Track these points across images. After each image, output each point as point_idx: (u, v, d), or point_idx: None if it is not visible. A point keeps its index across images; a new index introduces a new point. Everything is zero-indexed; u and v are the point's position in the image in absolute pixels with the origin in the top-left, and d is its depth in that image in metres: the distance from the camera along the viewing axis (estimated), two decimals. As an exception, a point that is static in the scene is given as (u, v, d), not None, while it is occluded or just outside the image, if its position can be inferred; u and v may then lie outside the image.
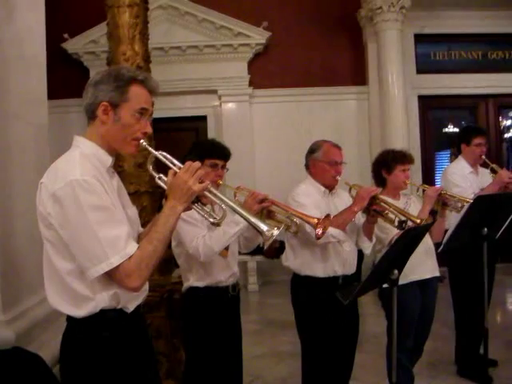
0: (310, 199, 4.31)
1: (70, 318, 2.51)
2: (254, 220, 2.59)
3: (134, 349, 2.58)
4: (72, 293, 2.45)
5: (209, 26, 10.87)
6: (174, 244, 4.03)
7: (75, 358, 2.50)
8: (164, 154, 2.59)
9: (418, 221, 4.12)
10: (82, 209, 2.31)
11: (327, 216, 3.87)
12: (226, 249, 3.87)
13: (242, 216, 2.62)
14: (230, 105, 11.14)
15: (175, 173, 2.51)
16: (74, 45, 10.68)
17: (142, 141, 2.57)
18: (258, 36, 10.88)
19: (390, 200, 4.36)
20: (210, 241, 3.74)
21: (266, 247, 2.61)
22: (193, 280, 4.00)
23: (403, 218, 4.10)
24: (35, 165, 4.62)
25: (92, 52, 10.52)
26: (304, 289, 4.38)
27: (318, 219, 3.83)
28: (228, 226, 3.68)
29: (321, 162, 4.39)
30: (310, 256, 4.31)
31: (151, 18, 9.53)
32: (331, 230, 4.06)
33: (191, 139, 10.96)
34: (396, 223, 4.14)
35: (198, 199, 2.57)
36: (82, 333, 2.48)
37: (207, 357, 3.92)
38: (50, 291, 2.53)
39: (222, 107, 11.10)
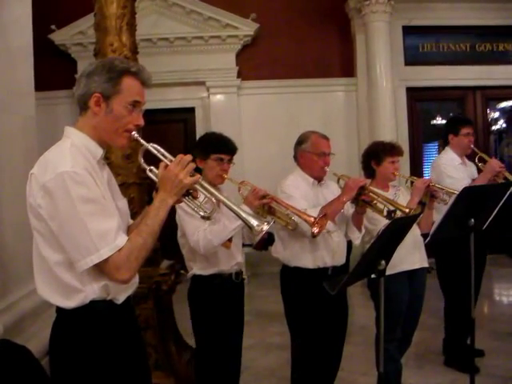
0: (299, 190, 4.32)
1: (59, 310, 2.51)
2: (244, 215, 2.60)
3: (123, 340, 2.58)
4: (61, 284, 2.45)
5: (197, 18, 10.83)
6: (179, 234, 4.14)
7: (65, 349, 2.51)
8: (155, 146, 2.58)
9: (407, 210, 4.13)
10: (73, 201, 2.31)
11: (324, 215, 3.90)
12: (230, 240, 3.91)
13: (232, 210, 2.62)
14: (218, 96, 11.11)
15: (166, 165, 2.51)
16: (62, 36, 10.59)
17: (133, 132, 2.56)
18: (247, 27, 10.85)
19: (378, 191, 4.37)
20: (210, 235, 3.81)
21: (255, 242, 2.64)
22: (196, 269, 4.11)
23: (392, 208, 4.12)
24: (23, 157, 4.60)
25: (80, 43, 10.42)
26: (293, 280, 4.40)
27: (315, 218, 3.87)
28: (229, 220, 3.73)
29: (309, 153, 4.39)
30: (299, 247, 4.31)
31: (139, 10, 9.47)
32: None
33: (179, 131, 10.98)
34: (385, 213, 4.15)
35: (189, 192, 2.56)
36: (71, 324, 2.49)
37: (214, 343, 4.05)
38: (39, 282, 2.52)
39: (210, 99, 11.07)
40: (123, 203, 2.76)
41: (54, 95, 10.40)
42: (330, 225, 4.19)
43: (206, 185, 2.58)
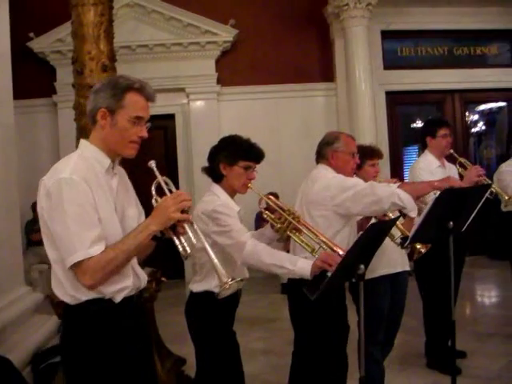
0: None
1: (64, 307, 2.74)
2: (218, 266, 2.65)
3: (121, 337, 2.75)
4: (60, 281, 2.68)
5: (176, 24, 10.84)
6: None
7: (67, 345, 2.78)
8: (167, 180, 2.82)
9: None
10: (63, 203, 2.53)
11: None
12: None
13: (209, 256, 2.68)
14: (198, 103, 11.13)
15: (174, 225, 2.66)
16: (40, 44, 10.54)
17: (151, 162, 2.80)
18: (226, 33, 10.88)
19: None
20: (261, 250, 3.61)
21: (220, 293, 2.68)
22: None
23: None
24: (3, 165, 4.58)
25: (58, 51, 10.37)
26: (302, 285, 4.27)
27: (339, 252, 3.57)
28: (285, 259, 3.60)
29: (342, 153, 4.28)
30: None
31: (118, 16, 9.50)
32: (399, 192, 3.89)
33: (159, 138, 10.96)
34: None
35: (175, 227, 2.67)
36: (72, 320, 2.73)
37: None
38: (52, 277, 2.75)
39: (190, 105, 11.09)
40: (134, 212, 2.94)
41: (34, 103, 10.36)
42: (409, 201, 3.91)
43: (196, 227, 2.69)
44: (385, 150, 10.17)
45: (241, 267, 3.80)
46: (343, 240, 4.06)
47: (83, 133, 4.64)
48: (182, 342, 4.12)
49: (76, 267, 2.55)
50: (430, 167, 5.62)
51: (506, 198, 5.67)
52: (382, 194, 3.89)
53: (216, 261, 2.65)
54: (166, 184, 2.79)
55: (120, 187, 2.87)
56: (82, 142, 2.84)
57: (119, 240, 2.66)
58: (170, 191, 2.75)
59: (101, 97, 2.74)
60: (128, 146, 2.76)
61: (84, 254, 2.53)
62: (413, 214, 4.06)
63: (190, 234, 2.65)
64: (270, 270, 3.66)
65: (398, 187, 3.95)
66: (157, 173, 2.80)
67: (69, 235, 2.54)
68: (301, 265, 3.48)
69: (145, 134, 2.77)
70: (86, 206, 2.58)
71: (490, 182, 5.56)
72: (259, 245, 3.64)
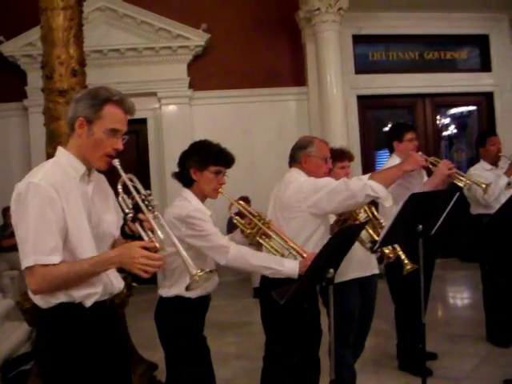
0: None
1: (38, 309, 2.79)
2: (187, 258, 2.64)
3: (91, 340, 2.79)
4: None
5: (148, 29, 10.83)
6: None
7: (41, 347, 2.89)
8: (132, 178, 2.81)
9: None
10: (28, 208, 2.59)
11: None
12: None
13: (177, 249, 2.66)
14: (170, 107, 11.11)
15: (140, 221, 2.67)
16: (10, 47, 10.46)
17: (116, 160, 2.81)
18: (197, 38, 10.89)
19: None
20: (246, 253, 3.75)
21: (190, 284, 2.67)
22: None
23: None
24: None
25: (29, 55, 10.26)
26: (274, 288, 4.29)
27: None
28: (271, 260, 3.74)
29: (314, 158, 4.30)
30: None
31: (89, 21, 9.48)
32: (372, 183, 3.95)
33: (131, 142, 10.89)
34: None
35: (142, 223, 2.68)
36: (45, 324, 2.80)
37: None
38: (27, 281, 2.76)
39: (161, 110, 11.07)
40: (112, 217, 2.97)
41: (4, 108, 10.31)
42: (382, 190, 3.98)
43: (163, 222, 2.75)
44: (356, 153, 10.20)
45: (210, 261, 3.84)
46: (319, 239, 4.11)
47: (52, 138, 4.62)
48: (154, 347, 4.11)
49: (28, 269, 2.60)
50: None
51: (484, 186, 5.70)
52: (355, 187, 3.94)
53: (185, 253, 2.64)
54: (131, 181, 2.79)
55: (96, 194, 2.90)
56: (59, 148, 2.89)
57: (79, 261, 2.68)
58: (136, 188, 2.75)
59: (80, 106, 2.79)
60: (101, 158, 2.80)
61: (36, 260, 2.57)
62: (387, 203, 4.06)
63: (158, 232, 2.66)
64: (257, 271, 3.74)
65: (370, 178, 4.01)
66: (121, 171, 2.81)
67: (28, 239, 2.58)
68: (288, 265, 3.66)
69: (120, 146, 2.81)
70: (49, 213, 2.61)
71: (462, 173, 5.61)
72: (242, 247, 3.77)
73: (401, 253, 4.44)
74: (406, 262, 4.42)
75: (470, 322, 7.37)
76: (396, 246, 4.41)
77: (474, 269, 6.73)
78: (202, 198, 3.89)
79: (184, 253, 2.64)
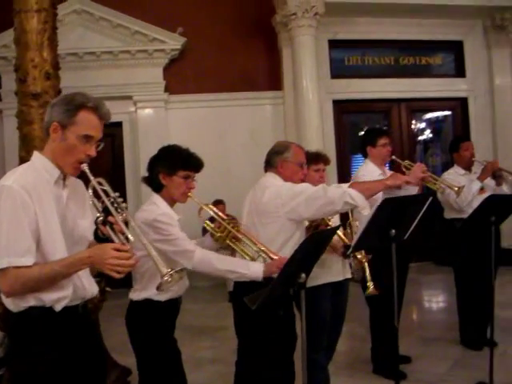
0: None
1: (9, 313, 2.79)
2: (157, 257, 2.63)
3: (66, 345, 2.78)
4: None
5: (124, 32, 10.77)
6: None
7: (14, 350, 2.85)
8: (101, 181, 2.80)
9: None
10: (0, 210, 2.61)
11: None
12: None
13: (146, 248, 2.65)
14: (146, 111, 11.07)
15: (111, 224, 2.65)
16: (-16, 50, 10.32)
17: (84, 164, 2.80)
18: (174, 41, 10.86)
19: None
20: (212, 257, 3.78)
21: (161, 284, 2.66)
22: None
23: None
24: None
25: (3, 57, 10.09)
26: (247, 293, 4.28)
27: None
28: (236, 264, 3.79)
29: (290, 163, 4.32)
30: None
31: (65, 23, 9.43)
32: (351, 191, 3.93)
33: (107, 146, 10.74)
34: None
35: (112, 225, 2.67)
36: (16, 327, 2.79)
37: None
38: None
39: (137, 113, 11.02)
40: (89, 222, 2.90)
41: (-21, 111, 10.19)
42: (361, 199, 3.98)
43: (134, 225, 2.75)
44: (332, 158, 10.16)
45: (180, 267, 3.81)
46: (295, 244, 4.04)
47: (26, 141, 4.59)
48: (128, 352, 4.08)
49: (1, 271, 2.60)
50: (372, 175, 5.65)
51: (456, 189, 5.75)
52: (334, 195, 3.95)
53: (154, 252, 2.64)
54: (101, 184, 2.78)
55: (71, 199, 2.90)
56: (35, 153, 2.89)
57: (50, 262, 2.68)
58: (105, 191, 2.74)
59: (55, 110, 2.81)
60: (73, 164, 2.80)
61: (9, 262, 2.58)
62: (365, 211, 4.07)
63: (128, 233, 2.66)
64: (223, 276, 3.76)
65: (350, 187, 4.01)
66: (90, 175, 2.80)
67: (1, 241, 2.60)
68: (253, 268, 3.70)
69: (93, 153, 2.82)
70: (22, 215, 2.62)
71: (435, 177, 5.66)
72: (209, 252, 3.80)
73: (368, 274, 4.51)
74: (369, 284, 4.48)
75: (443, 325, 7.44)
76: (366, 267, 4.47)
77: (449, 272, 6.78)
78: (171, 202, 3.92)
79: (154, 252, 2.63)
